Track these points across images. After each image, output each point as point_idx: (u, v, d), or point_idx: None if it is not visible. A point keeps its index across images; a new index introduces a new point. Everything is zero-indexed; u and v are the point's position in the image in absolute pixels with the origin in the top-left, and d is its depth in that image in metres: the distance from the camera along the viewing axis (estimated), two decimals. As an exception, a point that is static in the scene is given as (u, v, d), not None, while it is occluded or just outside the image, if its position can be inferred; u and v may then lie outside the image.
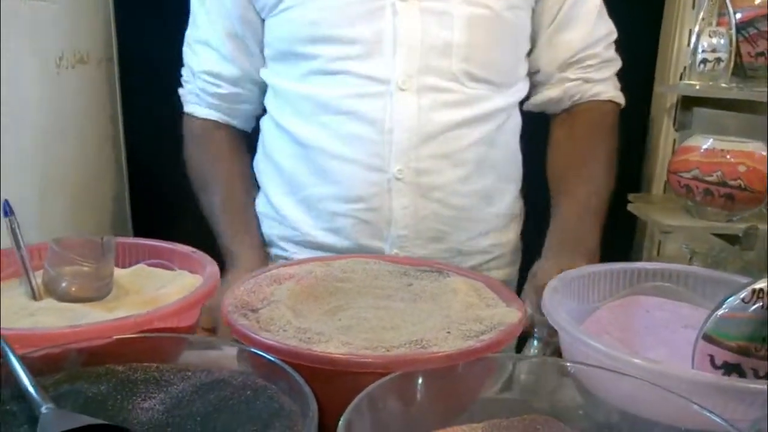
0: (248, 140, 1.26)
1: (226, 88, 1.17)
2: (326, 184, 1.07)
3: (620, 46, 1.21)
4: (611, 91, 1.19)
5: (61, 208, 1.51)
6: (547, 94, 1.18)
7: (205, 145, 1.20)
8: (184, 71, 1.21)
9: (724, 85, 1.64)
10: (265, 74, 1.14)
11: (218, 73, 1.16)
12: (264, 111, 1.19)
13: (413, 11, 1.02)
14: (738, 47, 1.64)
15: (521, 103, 1.17)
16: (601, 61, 1.17)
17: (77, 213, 1.59)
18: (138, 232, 1.82)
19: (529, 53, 1.16)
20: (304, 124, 1.08)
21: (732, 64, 1.64)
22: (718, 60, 1.61)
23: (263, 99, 1.19)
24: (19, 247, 0.72)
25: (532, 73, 1.18)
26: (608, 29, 1.18)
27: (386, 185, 1.04)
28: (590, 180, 1.14)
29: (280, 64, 1.11)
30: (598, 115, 1.19)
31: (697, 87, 1.67)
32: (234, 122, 1.22)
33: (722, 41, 1.60)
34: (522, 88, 1.15)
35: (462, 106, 1.06)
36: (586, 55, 1.15)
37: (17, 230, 0.72)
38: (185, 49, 1.19)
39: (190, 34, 1.18)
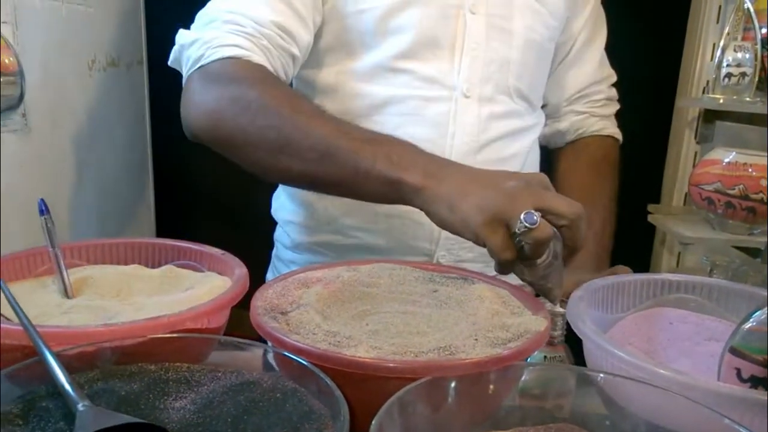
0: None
1: (296, 49, 1.00)
2: None
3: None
4: (611, 128, 1.29)
5: (87, 209, 1.53)
6: (556, 126, 1.28)
7: (269, 86, 0.91)
8: (218, 16, 0.97)
9: (748, 99, 1.65)
10: (308, 73, 1.10)
11: (291, 31, 0.99)
12: None
13: (480, 24, 1.07)
14: (763, 62, 1.64)
15: None
16: (606, 98, 1.28)
17: (102, 213, 1.61)
18: (161, 233, 1.83)
19: None
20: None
21: (757, 78, 1.64)
22: (743, 74, 1.62)
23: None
24: (53, 245, 0.73)
25: (541, 107, 1.26)
26: (610, 72, 1.30)
27: None
28: (597, 217, 1.16)
29: (336, 58, 1.07)
30: (601, 148, 1.28)
31: (721, 101, 1.68)
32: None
33: (747, 56, 1.61)
34: (541, 114, 1.23)
35: (509, 118, 1.12)
36: (592, 90, 1.27)
37: (52, 229, 0.73)
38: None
39: None
